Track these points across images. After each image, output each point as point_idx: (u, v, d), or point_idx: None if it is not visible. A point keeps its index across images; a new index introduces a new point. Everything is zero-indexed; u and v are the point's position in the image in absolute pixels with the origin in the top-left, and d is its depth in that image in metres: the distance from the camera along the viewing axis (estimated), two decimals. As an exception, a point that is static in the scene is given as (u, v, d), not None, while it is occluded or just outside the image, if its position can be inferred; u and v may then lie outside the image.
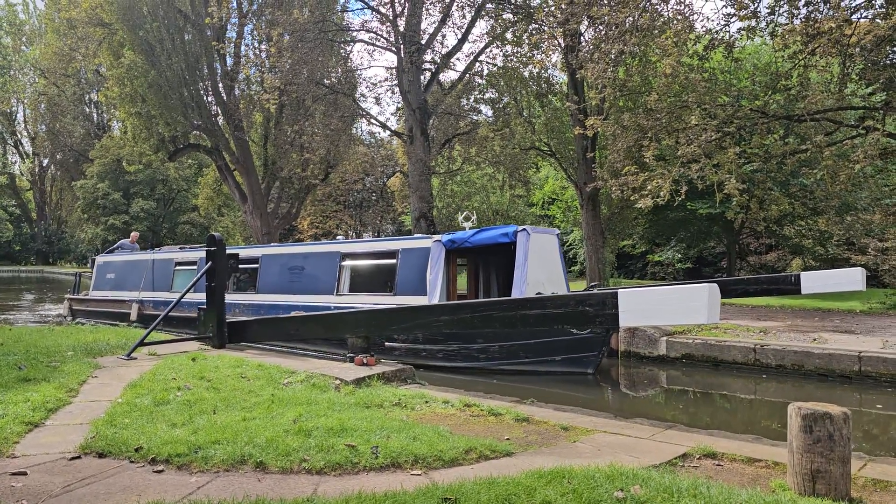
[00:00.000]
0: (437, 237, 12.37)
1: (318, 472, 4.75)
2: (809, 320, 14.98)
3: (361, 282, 14.21)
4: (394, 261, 13.05)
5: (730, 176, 15.31)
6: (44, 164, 74.57)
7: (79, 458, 5.08)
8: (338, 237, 16.89)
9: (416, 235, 13.80)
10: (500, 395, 8.11)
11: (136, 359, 9.67)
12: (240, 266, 16.10)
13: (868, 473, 4.81)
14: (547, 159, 29.39)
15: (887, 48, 17.81)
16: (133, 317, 17.54)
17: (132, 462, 4.96)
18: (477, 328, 10.15)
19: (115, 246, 22.25)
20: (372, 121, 30.17)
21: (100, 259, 21.53)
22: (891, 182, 21.41)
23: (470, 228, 12.67)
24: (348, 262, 13.99)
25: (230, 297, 15.44)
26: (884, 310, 16.79)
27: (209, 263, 11.22)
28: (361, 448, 5.08)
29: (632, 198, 16.55)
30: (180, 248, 19.53)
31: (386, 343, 12.42)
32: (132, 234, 23.39)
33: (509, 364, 11.36)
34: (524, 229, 11.62)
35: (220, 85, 30.80)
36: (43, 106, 62.65)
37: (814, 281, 12.23)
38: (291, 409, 6.30)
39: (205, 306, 11.28)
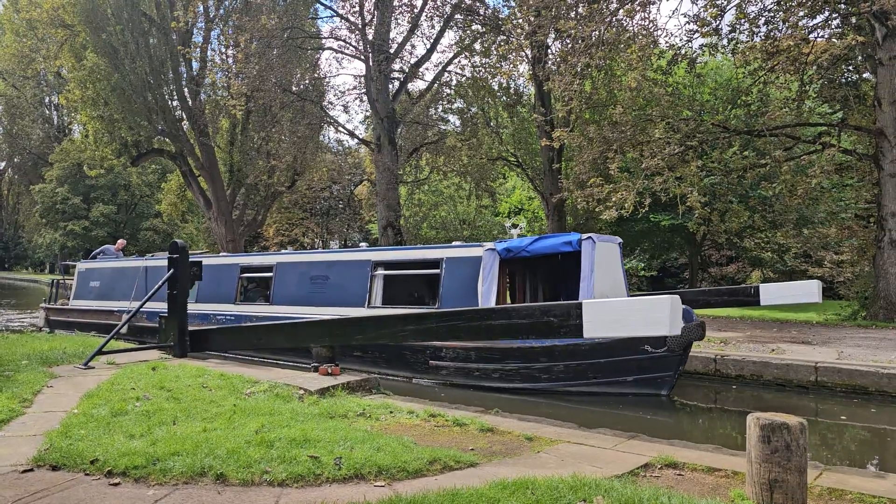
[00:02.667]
0: (489, 245, 11.40)
1: (280, 483, 4.68)
2: (768, 331, 15.28)
3: (398, 294, 13.19)
4: (437, 270, 11.96)
5: (692, 189, 15.59)
6: (1, 168, 72.70)
7: (31, 470, 4.94)
8: (361, 244, 15.48)
9: (462, 243, 12.66)
10: (464, 406, 8.11)
11: (93, 368, 9.45)
12: (249, 275, 15.19)
13: (824, 482, 4.91)
14: (514, 170, 29.62)
15: (843, 67, 18.38)
16: (124, 329, 15.80)
17: (87, 475, 4.84)
18: (442, 338, 9.84)
19: (97, 251, 20.56)
20: (340, 129, 30.09)
21: (81, 266, 19.78)
22: (846, 197, 22.02)
23: (517, 237, 11.85)
24: (381, 272, 12.80)
25: (239, 309, 14.60)
26: (839, 321, 17.22)
27: (170, 271, 11.04)
28: (325, 459, 5.03)
29: (597, 209, 16.76)
30: None
31: (431, 361, 11.43)
32: (118, 241, 21.58)
33: (576, 385, 10.49)
34: (590, 237, 10.71)
35: (186, 89, 30.41)
36: (1, 108, 61.13)
37: (772, 293, 12.52)
38: (254, 419, 6.21)
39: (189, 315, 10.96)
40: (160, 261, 17.13)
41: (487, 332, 7.04)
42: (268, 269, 14.59)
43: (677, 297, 6.04)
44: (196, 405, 6.80)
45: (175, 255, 11.06)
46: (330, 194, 49.68)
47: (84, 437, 5.62)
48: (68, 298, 19.84)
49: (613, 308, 6.02)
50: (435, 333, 7.65)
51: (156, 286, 11.47)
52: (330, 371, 8.92)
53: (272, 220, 46.82)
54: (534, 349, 10.45)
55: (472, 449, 5.73)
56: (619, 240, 11.99)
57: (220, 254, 20.00)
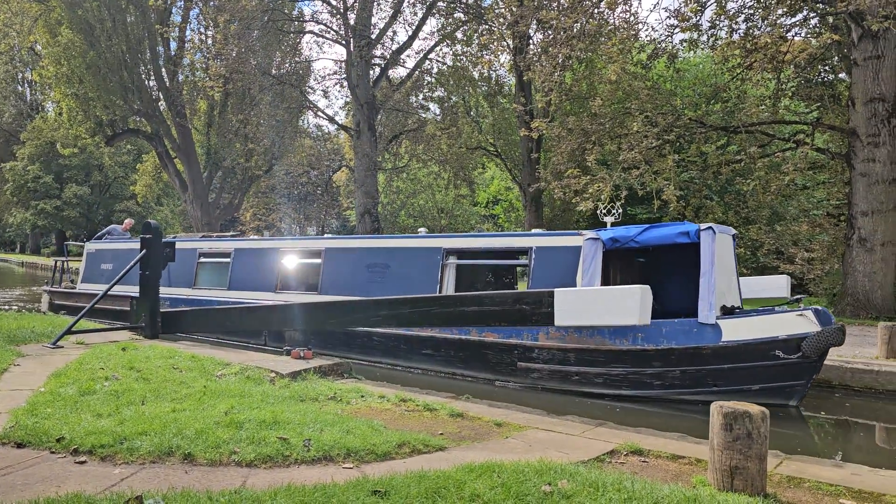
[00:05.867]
0: (590, 234, 10.07)
1: (249, 464, 4.69)
2: (738, 325, 15.48)
3: (475, 285, 12.13)
4: (524, 260, 10.74)
5: (668, 183, 15.74)
6: (-29, 144, 71.08)
7: (-5, 447, 4.89)
8: (420, 230, 13.30)
9: (557, 231, 11.42)
10: (435, 391, 8.15)
11: (62, 347, 9.34)
12: (291, 260, 13.81)
13: (783, 471, 5.03)
14: (493, 160, 29.66)
15: (819, 67, 18.62)
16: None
17: (53, 453, 4.80)
18: (416, 323, 9.56)
19: (103, 232, 19.05)
20: (319, 114, 29.98)
21: (91, 246, 18.13)
22: (818, 195, 22.36)
23: (611, 225, 10.82)
24: (454, 261, 11.43)
25: (279, 299, 13.04)
26: (808, 317, 17.50)
27: (143, 251, 10.94)
28: (294, 441, 5.04)
29: (574, 200, 16.86)
30: (203, 237, 16.65)
31: (520, 363, 10.19)
32: (126, 220, 20.03)
33: (692, 393, 9.34)
34: (710, 227, 9.51)
35: (163, 69, 30.00)
36: (-29, 83, 59.75)
37: (742, 287, 12.67)
38: (224, 401, 6.20)
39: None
40: (185, 243, 15.65)
41: (460, 318, 7.08)
42: (315, 254, 13.32)
43: (647, 287, 6.13)
44: (166, 386, 6.77)
45: (147, 236, 10.96)
46: (308, 180, 49.35)
47: (51, 415, 5.57)
48: (72, 281, 18.65)
49: (584, 297, 6.10)
50: (408, 319, 7.67)
51: (128, 266, 11.33)
52: (302, 355, 8.91)
53: (249, 204, 46.40)
54: (647, 352, 9.34)
55: (441, 433, 5.77)
56: (734, 231, 10.94)
57: (252, 236, 18.82)
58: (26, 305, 20.58)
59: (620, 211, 11.41)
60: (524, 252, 10.75)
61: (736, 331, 8.97)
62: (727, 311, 9.67)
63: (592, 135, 16.85)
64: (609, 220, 11.09)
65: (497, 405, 7.26)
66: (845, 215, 17.37)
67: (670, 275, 11.68)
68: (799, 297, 9.92)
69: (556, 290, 6.25)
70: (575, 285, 9.81)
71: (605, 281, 10.88)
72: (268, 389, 6.91)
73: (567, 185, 16.56)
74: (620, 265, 11.39)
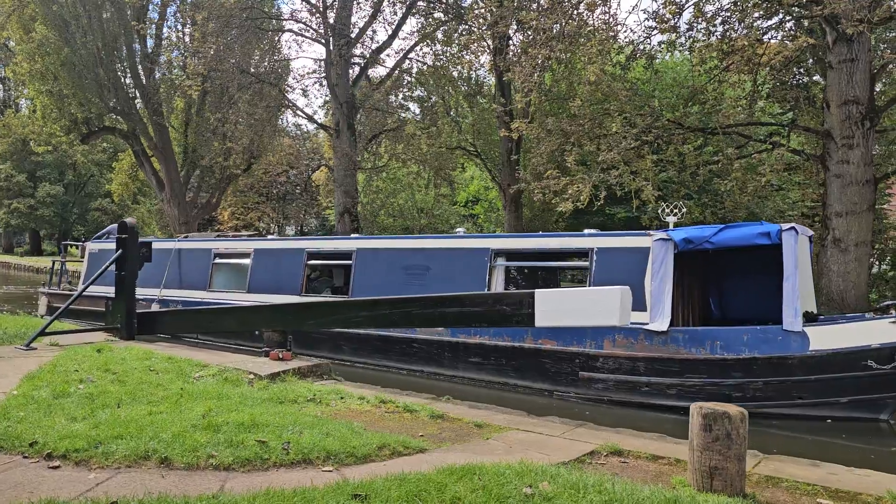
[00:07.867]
0: (659, 234, 9.42)
1: (227, 468, 4.63)
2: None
3: (528, 289, 11.70)
4: (584, 262, 10.09)
5: (646, 183, 15.84)
6: (-59, 141, 69.63)
7: (-34, 453, 4.78)
8: (458, 229, 11.96)
9: (621, 231, 10.92)
10: (415, 392, 8.12)
11: (35, 349, 9.18)
12: (319, 262, 13.34)
13: (762, 470, 5.08)
14: (472, 160, 29.66)
15: (794, 69, 18.87)
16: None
17: (26, 457, 4.71)
18: (397, 324, 9.36)
19: (103, 232, 18.37)
20: (298, 112, 29.74)
21: (93, 246, 17.36)
22: (793, 196, 22.64)
23: (674, 226, 10.12)
24: (503, 263, 10.81)
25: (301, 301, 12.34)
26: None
27: (119, 251, 10.79)
28: (272, 444, 4.99)
29: (553, 201, 16.89)
30: (217, 236, 16.08)
31: (582, 373, 9.57)
32: (128, 220, 19.82)
33: (776, 406, 8.70)
34: (792, 227, 8.82)
35: (140, 67, 29.59)
36: (-58, 79, 58.60)
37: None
38: (201, 403, 6.12)
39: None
40: (199, 243, 15.05)
41: (441, 319, 7.07)
42: (345, 255, 12.64)
43: (628, 288, 6.15)
44: (142, 388, 6.68)
45: (124, 236, 10.81)
46: (287, 179, 49.04)
47: (23, 419, 5.47)
48: (70, 283, 18.02)
49: (565, 297, 6.11)
50: (389, 320, 7.64)
51: (104, 266, 11.15)
52: (281, 356, 8.83)
53: (227, 203, 45.98)
54: (726, 361, 8.68)
55: (421, 435, 5.75)
56: (811, 232, 10.26)
57: (271, 236, 17.84)
58: (2, 307, 20.18)
59: (684, 210, 10.77)
60: (584, 254, 10.13)
61: (824, 339, 8.45)
62: (809, 318, 9.13)
63: (572, 135, 16.90)
64: (672, 219, 10.45)
65: (477, 406, 7.26)
66: (820, 216, 17.59)
67: (737, 278, 11.15)
68: (890, 303, 9.43)
69: (536, 290, 6.25)
70: (643, 288, 9.24)
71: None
72: (246, 391, 6.85)
73: (546, 186, 16.59)
74: (682, 268, 10.33)
